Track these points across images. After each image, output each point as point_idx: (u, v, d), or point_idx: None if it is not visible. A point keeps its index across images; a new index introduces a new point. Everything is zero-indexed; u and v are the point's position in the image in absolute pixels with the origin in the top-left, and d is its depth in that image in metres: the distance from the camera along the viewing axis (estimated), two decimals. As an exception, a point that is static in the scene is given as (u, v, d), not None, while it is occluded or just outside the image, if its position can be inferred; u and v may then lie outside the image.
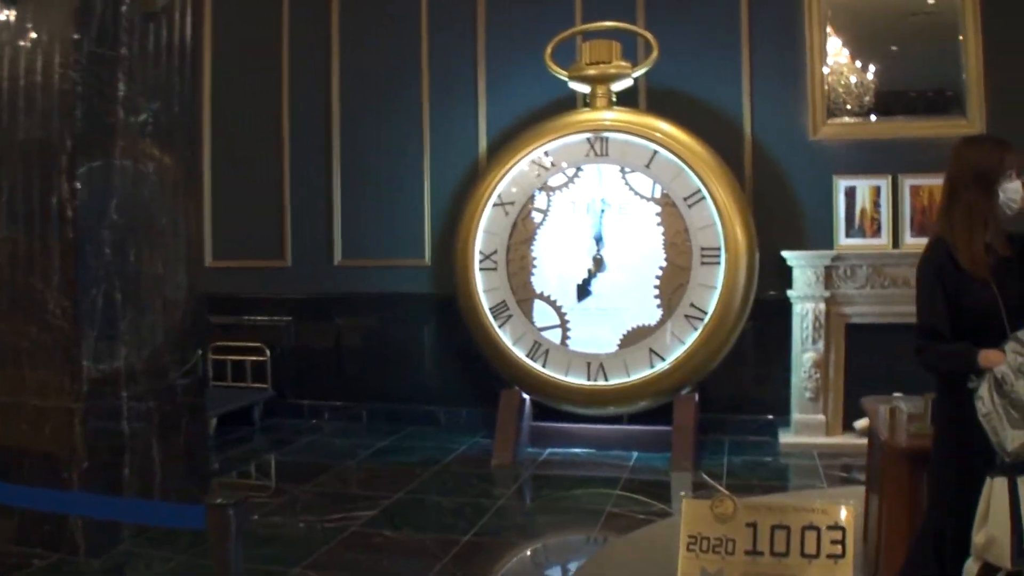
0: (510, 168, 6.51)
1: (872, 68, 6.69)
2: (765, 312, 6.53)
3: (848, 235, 6.60)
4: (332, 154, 7.57)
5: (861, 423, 6.28)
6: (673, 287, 6.26)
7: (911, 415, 3.68)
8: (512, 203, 6.53)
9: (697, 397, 6.37)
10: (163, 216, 5.05)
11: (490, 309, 6.50)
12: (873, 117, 6.71)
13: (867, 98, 6.71)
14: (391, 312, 7.48)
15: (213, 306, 7.49)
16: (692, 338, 6.18)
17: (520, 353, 6.44)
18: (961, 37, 6.50)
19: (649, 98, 6.94)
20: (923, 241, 6.04)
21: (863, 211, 6.59)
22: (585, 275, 6.40)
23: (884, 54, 6.70)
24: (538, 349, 6.43)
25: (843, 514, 2.76)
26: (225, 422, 7.09)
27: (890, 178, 6.55)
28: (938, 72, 6.69)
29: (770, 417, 6.79)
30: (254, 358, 7.66)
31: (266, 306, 7.75)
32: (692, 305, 6.20)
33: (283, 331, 7.70)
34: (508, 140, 6.76)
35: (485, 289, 6.53)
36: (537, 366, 6.41)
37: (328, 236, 7.60)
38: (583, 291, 6.40)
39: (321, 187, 7.62)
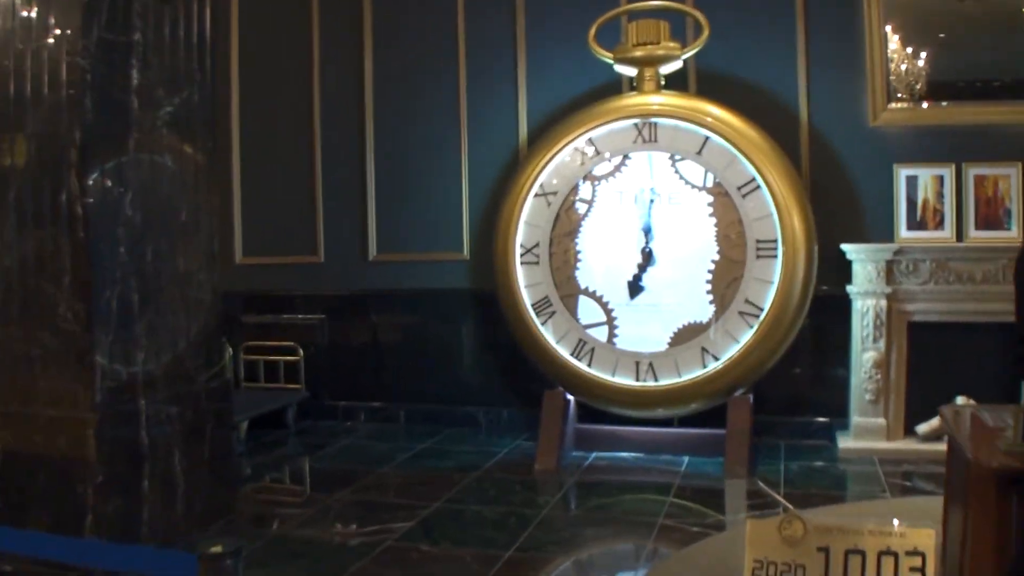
0: (552, 156, 6.20)
1: (923, 55, 6.33)
2: (822, 309, 6.20)
3: (909, 227, 6.25)
4: (365, 145, 7.31)
5: (924, 427, 6.05)
6: (727, 282, 5.93)
7: (999, 428, 3.31)
8: (555, 193, 6.22)
9: (751, 399, 6.03)
10: (183, 211, 4.76)
11: (532, 305, 6.21)
12: (925, 104, 6.34)
13: (918, 86, 6.34)
14: (429, 309, 7.23)
15: (244, 304, 7.43)
16: (747, 336, 5.85)
17: (564, 352, 6.14)
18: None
19: (699, 82, 6.61)
20: (989, 235, 6.13)
21: (925, 202, 6.25)
22: (635, 270, 6.07)
23: (934, 41, 6.34)
24: (583, 347, 6.12)
25: (923, 538, 2.52)
26: (257, 425, 6.82)
27: (953, 167, 6.21)
28: (997, 58, 6.29)
29: (827, 420, 6.47)
30: (287, 358, 7.40)
31: (299, 304, 7.51)
32: (747, 301, 5.87)
33: (317, 330, 7.45)
34: (550, 127, 6.45)
35: (527, 284, 6.23)
36: (582, 366, 6.11)
37: (363, 231, 7.34)
38: (635, 288, 6.08)
39: (354, 180, 7.36)
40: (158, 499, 4.54)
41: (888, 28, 6.35)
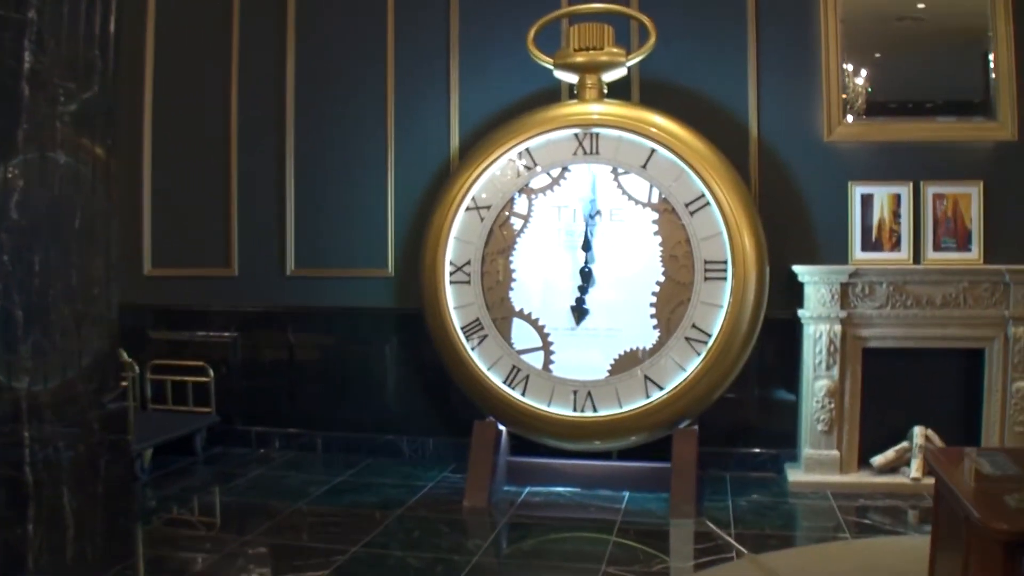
0: (486, 167, 5.77)
1: (863, 73, 6.07)
2: (770, 333, 5.83)
3: (864, 248, 5.97)
4: (285, 151, 6.82)
5: (880, 459, 5.78)
6: (672, 305, 5.55)
7: (1003, 480, 2.91)
8: (488, 207, 5.79)
9: (697, 430, 5.63)
10: (78, 216, 4.22)
11: (462, 328, 5.77)
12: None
13: (859, 103, 6.07)
14: (350, 328, 6.77)
15: (153, 319, 6.97)
16: (694, 364, 5.47)
17: (496, 379, 5.71)
18: (991, 33, 5.83)
19: (643, 91, 6.23)
20: (949, 257, 5.80)
21: (881, 221, 5.96)
22: (576, 292, 5.67)
23: (871, 61, 6.09)
24: (517, 374, 5.69)
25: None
26: (164, 451, 6.30)
27: (911, 185, 5.93)
28: (942, 77, 6.10)
29: (775, 451, 6.13)
30: (196, 379, 6.86)
31: (210, 320, 7.00)
32: (694, 326, 5.49)
33: (229, 348, 6.95)
34: (484, 136, 6.03)
35: (456, 305, 5.79)
36: (516, 394, 5.68)
37: (280, 242, 6.85)
38: (579, 311, 5.68)
39: (272, 188, 6.87)
40: (44, 543, 3.99)
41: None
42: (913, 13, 6.01)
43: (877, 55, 6.08)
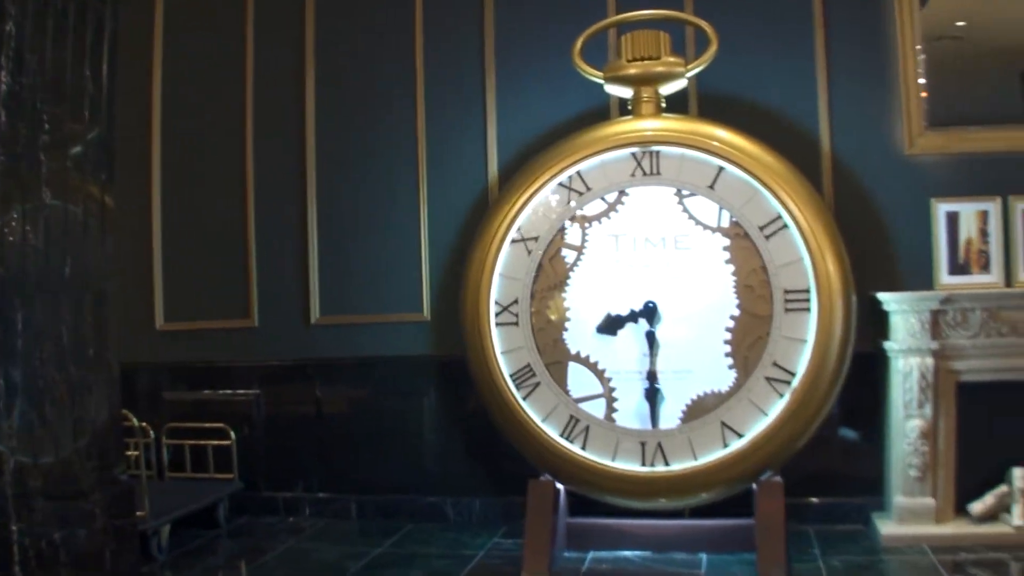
0: (532, 195, 5.24)
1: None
2: (854, 369, 5.21)
3: (951, 272, 5.47)
4: (306, 189, 6.37)
5: (979, 506, 5.24)
6: (750, 342, 4.98)
7: None
8: (535, 239, 5.24)
9: (782, 482, 5.01)
10: (67, 265, 3.65)
11: (511, 375, 5.21)
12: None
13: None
14: (383, 379, 6.28)
15: (168, 378, 6.52)
16: (777, 407, 4.89)
17: (552, 432, 5.14)
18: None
19: (701, 105, 5.77)
20: None
21: (968, 241, 5.47)
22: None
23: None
24: (575, 426, 5.12)
25: None
26: (184, 524, 5.75)
27: (1000, 200, 5.45)
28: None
29: (861, 500, 5.59)
30: (217, 442, 6.31)
31: (230, 377, 6.51)
32: (775, 364, 4.92)
33: (251, 407, 6.45)
34: (527, 161, 5.53)
35: (504, 350, 5.23)
36: (575, 448, 5.09)
37: (303, 289, 6.38)
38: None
39: (294, 229, 6.42)
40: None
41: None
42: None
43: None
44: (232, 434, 6.28)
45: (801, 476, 5.46)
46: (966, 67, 5.60)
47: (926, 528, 5.20)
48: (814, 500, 5.65)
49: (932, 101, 5.56)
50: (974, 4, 5.63)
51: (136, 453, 5.56)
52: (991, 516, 5.23)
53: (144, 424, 5.71)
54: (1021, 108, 5.53)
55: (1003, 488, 5.24)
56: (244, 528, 6.10)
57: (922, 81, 5.54)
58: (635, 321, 5.10)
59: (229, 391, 6.49)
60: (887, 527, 5.27)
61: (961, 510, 5.30)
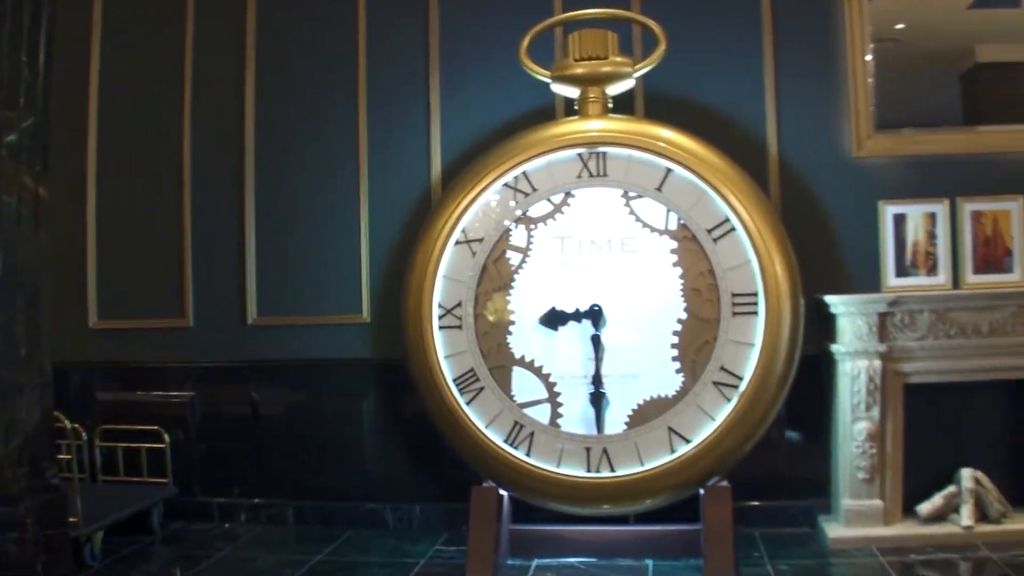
0: (476, 196, 5.13)
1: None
2: (801, 372, 5.16)
3: (899, 274, 5.50)
4: (243, 185, 6.22)
5: (927, 507, 5.29)
6: (697, 346, 4.91)
7: None
8: (480, 240, 5.13)
9: (730, 487, 4.98)
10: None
11: (454, 380, 5.09)
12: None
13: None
14: (322, 382, 6.14)
15: (101, 378, 6.36)
16: (725, 411, 4.84)
17: (496, 438, 5.03)
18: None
19: (648, 105, 5.70)
20: (989, 279, 5.17)
21: (916, 243, 5.50)
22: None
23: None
24: (520, 432, 5.01)
25: None
26: (117, 530, 5.57)
27: (947, 202, 5.49)
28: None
29: (807, 503, 5.60)
30: (150, 445, 6.14)
31: (164, 378, 6.34)
32: (723, 368, 4.86)
33: (186, 409, 6.28)
34: (472, 160, 5.42)
35: (447, 354, 5.12)
36: (520, 455, 5.00)
37: (240, 288, 6.23)
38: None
39: (230, 227, 6.26)
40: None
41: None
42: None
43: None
44: (166, 437, 6.12)
45: (747, 479, 5.41)
46: (907, 70, 5.62)
47: (874, 530, 5.22)
48: (761, 503, 5.63)
49: (878, 103, 5.56)
50: (911, 7, 5.65)
51: (68, 456, 5.40)
52: (939, 517, 5.26)
53: (76, 426, 5.54)
54: (962, 111, 5.59)
55: (951, 489, 5.27)
56: (179, 534, 5.93)
57: (871, 80, 5.53)
58: (579, 320, 5.01)
59: (163, 392, 6.32)
60: (835, 530, 5.27)
61: (909, 511, 5.32)
